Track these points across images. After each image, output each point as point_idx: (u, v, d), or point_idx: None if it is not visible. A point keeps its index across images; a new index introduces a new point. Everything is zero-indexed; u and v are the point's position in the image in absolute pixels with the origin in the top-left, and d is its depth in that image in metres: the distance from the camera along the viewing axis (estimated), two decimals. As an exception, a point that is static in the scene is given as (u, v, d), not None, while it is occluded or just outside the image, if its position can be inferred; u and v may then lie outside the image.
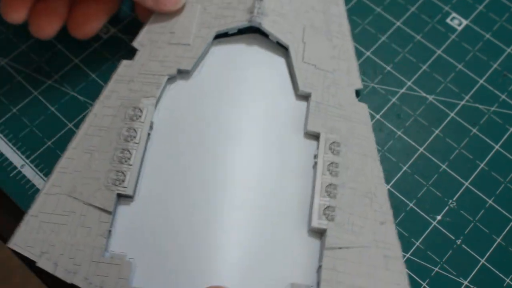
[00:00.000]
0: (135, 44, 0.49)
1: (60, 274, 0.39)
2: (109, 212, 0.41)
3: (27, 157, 0.46)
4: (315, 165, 0.44)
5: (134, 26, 0.53)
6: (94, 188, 0.42)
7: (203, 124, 0.45)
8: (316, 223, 0.41)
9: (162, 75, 0.46)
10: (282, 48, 0.49)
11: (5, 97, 0.49)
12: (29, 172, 0.46)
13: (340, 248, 0.41)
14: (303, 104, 0.47)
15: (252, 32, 0.49)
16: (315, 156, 0.44)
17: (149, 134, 0.44)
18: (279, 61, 0.49)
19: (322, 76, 0.48)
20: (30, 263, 0.43)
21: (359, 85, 0.49)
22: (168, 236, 0.41)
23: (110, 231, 0.41)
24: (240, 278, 0.40)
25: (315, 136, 0.45)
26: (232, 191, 0.43)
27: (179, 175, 0.43)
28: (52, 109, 0.49)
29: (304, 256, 0.41)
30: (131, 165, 0.42)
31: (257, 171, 0.44)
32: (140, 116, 0.44)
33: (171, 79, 0.47)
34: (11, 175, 0.46)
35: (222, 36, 0.49)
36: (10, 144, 0.47)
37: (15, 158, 0.46)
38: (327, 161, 0.43)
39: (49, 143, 0.47)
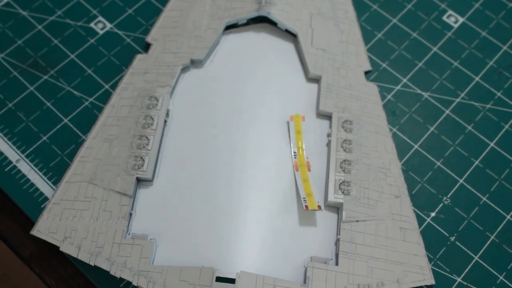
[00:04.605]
0: (149, 39, 0.51)
1: (83, 256, 0.40)
2: (129, 196, 0.42)
3: (23, 152, 0.47)
4: (329, 143, 0.46)
5: (130, 22, 0.53)
6: (114, 174, 0.43)
7: (217, 110, 0.47)
8: (332, 197, 0.43)
9: (176, 65, 0.48)
10: (291, 35, 0.51)
11: (1, 92, 0.49)
12: (25, 166, 0.46)
13: (356, 221, 0.42)
14: (314, 86, 0.49)
15: (261, 21, 0.52)
16: (329, 135, 0.46)
17: (165, 121, 0.46)
18: (289, 48, 0.51)
19: (332, 59, 0.49)
20: (28, 261, 0.44)
21: (368, 66, 0.51)
22: (187, 217, 0.42)
23: (131, 213, 0.42)
24: (261, 254, 0.41)
25: (328, 116, 0.47)
26: (249, 171, 0.44)
27: (196, 158, 0.45)
28: (48, 104, 0.49)
29: (323, 230, 0.43)
30: (149, 150, 0.44)
31: (272, 152, 0.45)
32: (156, 105, 0.46)
33: (185, 68, 0.49)
34: (6, 169, 0.46)
35: (232, 27, 0.51)
36: (6, 139, 0.47)
37: (11, 153, 0.47)
38: (341, 138, 0.45)
39: (45, 138, 0.47)
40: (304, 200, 0.42)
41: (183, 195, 0.43)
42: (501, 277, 0.43)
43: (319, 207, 0.41)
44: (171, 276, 0.39)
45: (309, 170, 0.44)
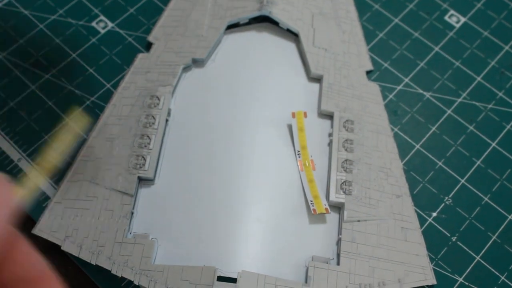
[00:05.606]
0: (150, 38, 0.51)
1: (84, 256, 0.40)
2: (131, 195, 0.42)
3: (24, 151, 0.47)
4: (330, 142, 0.46)
5: (132, 21, 0.53)
6: (115, 173, 0.43)
7: (219, 109, 0.47)
8: (334, 197, 0.43)
9: (178, 64, 0.48)
10: (292, 35, 0.51)
11: (3, 91, 0.49)
12: (26, 166, 0.46)
13: (358, 221, 0.42)
14: (315, 86, 0.49)
15: (263, 21, 0.51)
16: (330, 134, 0.46)
17: (167, 120, 0.46)
18: (290, 47, 0.51)
19: (333, 59, 0.49)
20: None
21: (369, 66, 0.51)
22: (189, 216, 0.42)
23: (132, 213, 0.42)
24: (262, 254, 0.41)
25: (329, 116, 0.47)
26: (250, 171, 0.44)
27: (197, 158, 0.45)
28: (50, 103, 0.49)
29: (324, 230, 0.43)
30: (150, 149, 0.44)
31: (273, 151, 0.45)
32: (158, 104, 0.46)
33: (187, 68, 0.49)
34: (7, 168, 0.46)
35: (233, 26, 0.51)
36: (7, 138, 0.47)
37: (12, 151, 0.47)
38: (342, 138, 0.45)
39: (46, 137, 0.47)
40: (311, 203, 0.42)
41: (185, 195, 0.43)
42: (502, 277, 0.43)
43: (327, 210, 0.41)
44: (172, 275, 0.39)
45: (314, 169, 0.44)
